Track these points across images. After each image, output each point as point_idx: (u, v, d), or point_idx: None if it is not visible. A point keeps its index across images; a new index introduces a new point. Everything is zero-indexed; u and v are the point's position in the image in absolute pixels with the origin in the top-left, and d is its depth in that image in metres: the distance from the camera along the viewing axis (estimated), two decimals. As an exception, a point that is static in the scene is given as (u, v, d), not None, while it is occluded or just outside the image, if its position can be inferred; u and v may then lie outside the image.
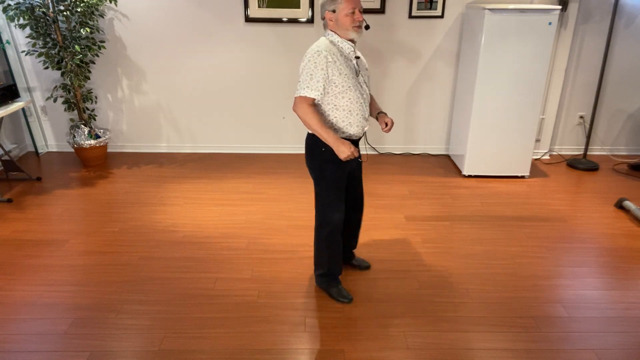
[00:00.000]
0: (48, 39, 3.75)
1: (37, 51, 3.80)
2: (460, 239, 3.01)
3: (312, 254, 2.82)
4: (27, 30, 4.02)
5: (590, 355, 2.06)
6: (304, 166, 4.18)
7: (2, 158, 3.91)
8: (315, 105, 2.11)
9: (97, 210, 3.36)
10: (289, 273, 2.64)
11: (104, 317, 2.28)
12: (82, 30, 3.74)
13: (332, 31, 2.13)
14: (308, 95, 2.06)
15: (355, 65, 2.17)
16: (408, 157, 4.44)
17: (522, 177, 4.00)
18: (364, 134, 2.29)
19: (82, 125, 4.08)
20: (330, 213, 2.27)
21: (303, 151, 4.52)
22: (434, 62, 4.19)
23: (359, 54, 2.22)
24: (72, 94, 4.05)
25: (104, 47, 3.95)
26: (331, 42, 2.12)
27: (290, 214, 3.30)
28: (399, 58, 4.18)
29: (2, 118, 3.94)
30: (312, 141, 2.20)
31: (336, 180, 2.22)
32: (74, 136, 4.04)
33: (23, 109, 4.29)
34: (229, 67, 4.21)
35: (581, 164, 4.18)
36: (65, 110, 4.11)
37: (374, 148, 4.53)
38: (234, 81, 4.27)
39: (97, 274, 2.62)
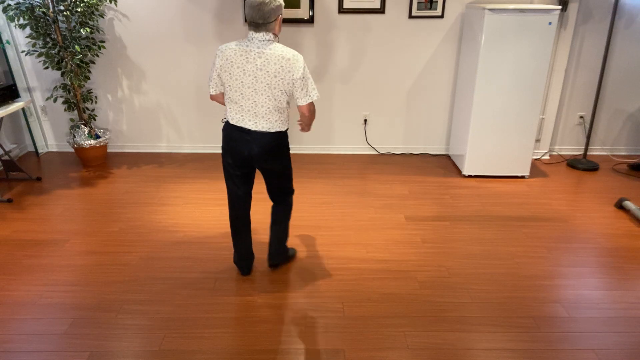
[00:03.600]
0: (48, 39, 3.75)
1: (37, 51, 3.80)
2: (460, 239, 3.01)
3: (312, 253, 2.82)
4: (27, 30, 4.02)
5: (590, 355, 2.06)
6: (302, 166, 4.18)
7: (2, 158, 3.91)
8: None
9: (97, 210, 3.36)
10: (288, 273, 2.64)
11: (104, 317, 2.28)
12: (82, 30, 3.74)
13: (276, 36, 2.19)
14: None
15: None
16: (408, 157, 4.44)
17: (522, 177, 4.00)
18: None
19: (82, 125, 4.08)
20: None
21: (302, 151, 4.52)
22: (434, 62, 4.19)
23: None
24: (72, 94, 4.05)
25: (104, 47, 3.95)
26: None
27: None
28: (399, 58, 4.18)
29: (2, 118, 3.94)
30: (282, 136, 2.30)
31: None
32: (74, 136, 4.04)
33: (23, 109, 4.29)
34: (229, 67, 4.21)
35: (581, 164, 4.18)
36: (65, 110, 4.11)
37: (373, 148, 4.53)
38: (234, 81, 4.26)
39: (97, 274, 2.62)
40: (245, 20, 4.03)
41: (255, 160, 2.29)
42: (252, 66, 2.11)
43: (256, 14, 2.06)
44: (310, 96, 2.20)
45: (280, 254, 2.63)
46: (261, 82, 2.12)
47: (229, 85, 2.18)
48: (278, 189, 2.48)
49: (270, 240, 2.60)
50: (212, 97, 2.34)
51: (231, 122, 2.26)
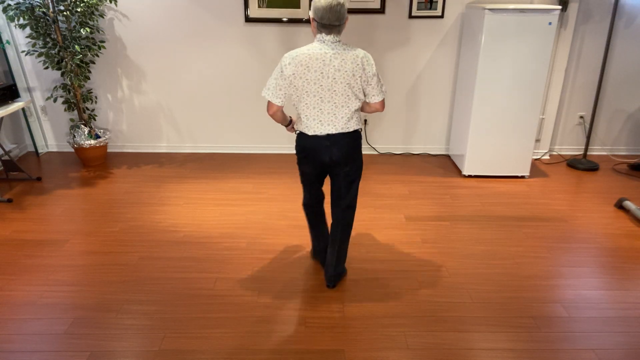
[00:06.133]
0: (48, 39, 3.75)
1: (37, 51, 3.80)
2: (460, 239, 3.01)
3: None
4: (27, 30, 4.02)
5: (590, 355, 2.06)
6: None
7: (2, 158, 3.91)
8: None
9: (97, 210, 3.36)
10: (289, 273, 2.64)
11: (104, 317, 2.28)
12: (82, 30, 3.74)
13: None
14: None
15: None
16: (408, 157, 4.44)
17: (522, 177, 4.00)
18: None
19: (82, 125, 4.08)
20: None
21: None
22: (434, 62, 4.19)
23: None
24: (72, 94, 4.05)
25: (104, 47, 3.95)
26: None
27: (290, 214, 3.30)
28: (399, 58, 4.18)
29: (2, 118, 3.94)
30: (359, 136, 2.29)
31: None
32: (74, 136, 4.04)
33: (23, 109, 4.29)
34: (229, 67, 4.21)
35: (581, 164, 4.18)
36: (65, 110, 4.11)
37: (374, 148, 4.53)
38: (234, 81, 4.27)
39: (97, 274, 2.62)
40: (246, 20, 4.03)
41: (335, 164, 2.27)
42: (329, 68, 2.09)
43: (334, 15, 2.05)
44: (383, 92, 2.22)
45: (340, 274, 2.55)
46: (340, 82, 2.11)
47: (306, 91, 2.13)
48: (349, 199, 2.38)
49: (329, 261, 2.48)
50: (275, 110, 2.20)
51: (309, 132, 2.21)
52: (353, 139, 2.25)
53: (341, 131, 2.20)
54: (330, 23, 2.06)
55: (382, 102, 2.25)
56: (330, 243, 2.48)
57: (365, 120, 4.41)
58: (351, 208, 2.42)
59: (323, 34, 2.11)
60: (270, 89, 2.16)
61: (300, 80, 2.11)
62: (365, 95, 2.22)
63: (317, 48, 2.10)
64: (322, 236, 2.61)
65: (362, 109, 2.32)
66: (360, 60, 2.11)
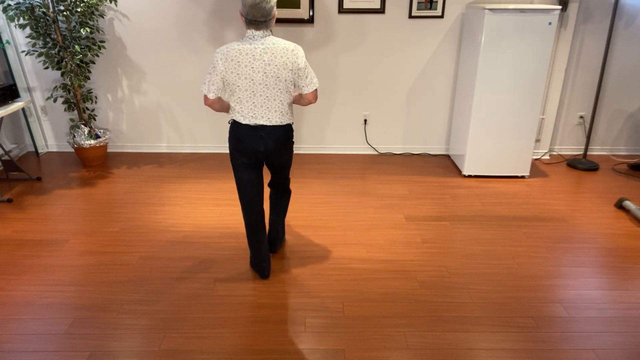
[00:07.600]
0: (48, 39, 3.75)
1: (37, 51, 3.80)
2: (460, 239, 3.01)
3: (312, 253, 2.82)
4: (27, 30, 4.02)
5: (590, 355, 2.06)
6: (302, 166, 4.18)
7: (2, 158, 3.91)
8: None
9: (97, 210, 3.36)
10: (289, 273, 2.64)
11: (104, 317, 2.28)
12: (82, 30, 3.74)
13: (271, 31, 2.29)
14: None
15: None
16: (408, 157, 4.44)
17: (522, 177, 4.00)
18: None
19: (82, 125, 4.08)
20: None
21: (302, 151, 4.52)
22: (434, 62, 4.19)
23: None
24: (72, 94, 4.05)
25: (104, 47, 3.95)
26: None
27: (290, 214, 3.30)
28: (399, 58, 4.18)
29: (2, 118, 3.94)
30: (291, 129, 2.41)
31: None
32: (74, 136, 4.04)
33: (23, 109, 4.29)
34: (229, 67, 4.21)
35: (581, 164, 4.18)
36: (65, 110, 4.11)
37: (373, 148, 4.53)
38: (234, 81, 4.26)
39: (97, 274, 2.62)
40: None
41: (270, 155, 2.35)
42: (260, 63, 2.17)
43: (258, 12, 2.13)
44: (314, 83, 2.31)
45: (282, 239, 2.81)
46: (271, 76, 2.20)
47: (238, 86, 2.21)
48: (283, 179, 2.62)
49: (272, 227, 2.72)
50: (210, 102, 2.32)
51: (243, 122, 2.28)
52: (286, 131, 2.35)
53: (274, 124, 2.30)
54: (255, 19, 2.14)
55: (315, 93, 2.34)
56: (274, 209, 2.72)
57: (365, 120, 4.41)
58: (287, 181, 2.66)
59: (252, 30, 2.19)
60: (206, 84, 2.25)
61: (232, 75, 2.19)
62: (297, 87, 2.32)
63: (247, 43, 2.18)
64: (260, 246, 2.54)
65: (297, 101, 2.41)
66: (291, 53, 2.20)
